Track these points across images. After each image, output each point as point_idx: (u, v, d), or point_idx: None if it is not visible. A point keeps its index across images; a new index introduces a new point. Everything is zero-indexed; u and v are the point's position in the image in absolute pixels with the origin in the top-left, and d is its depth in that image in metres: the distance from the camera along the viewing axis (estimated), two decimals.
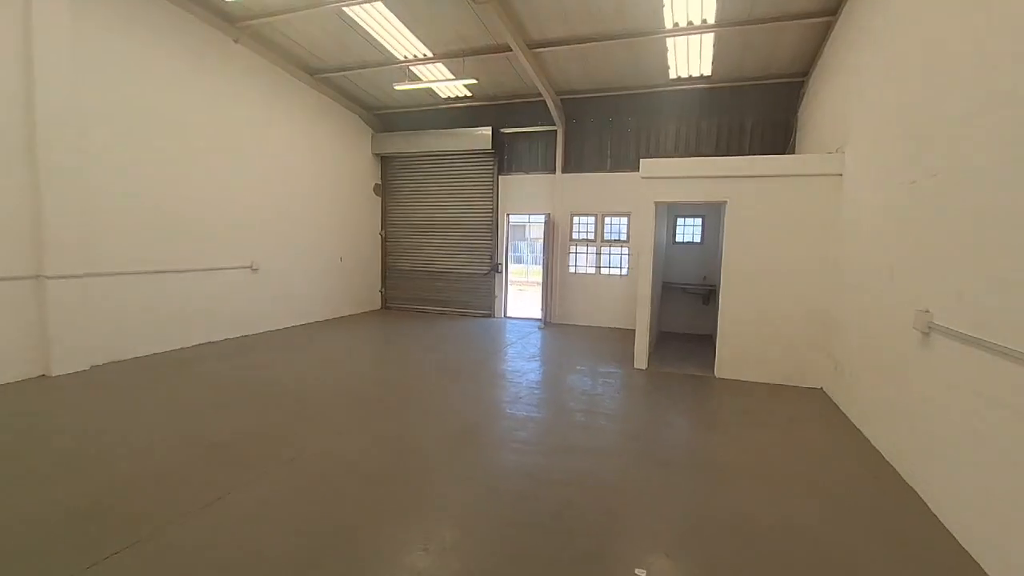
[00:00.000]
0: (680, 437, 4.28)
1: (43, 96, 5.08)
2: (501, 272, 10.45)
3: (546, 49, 7.65)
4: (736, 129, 8.55)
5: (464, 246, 10.75)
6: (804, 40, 6.83)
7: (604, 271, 9.74)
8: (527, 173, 10.13)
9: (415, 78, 8.76)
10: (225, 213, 7.35)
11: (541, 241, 10.09)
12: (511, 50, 7.40)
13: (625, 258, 9.55)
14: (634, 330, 6.59)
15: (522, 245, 20.17)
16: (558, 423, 4.45)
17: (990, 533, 2.48)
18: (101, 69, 5.71)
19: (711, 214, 8.96)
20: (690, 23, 6.61)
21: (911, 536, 2.77)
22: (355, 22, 7.08)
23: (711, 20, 6.50)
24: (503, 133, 10.03)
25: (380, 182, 11.28)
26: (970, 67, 2.93)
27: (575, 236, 9.89)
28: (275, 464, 3.43)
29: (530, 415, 4.61)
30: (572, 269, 9.94)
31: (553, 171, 9.83)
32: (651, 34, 6.95)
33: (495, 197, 10.33)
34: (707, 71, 8.02)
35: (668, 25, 6.69)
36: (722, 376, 6.03)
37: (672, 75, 8.26)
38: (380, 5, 6.62)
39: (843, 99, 5.55)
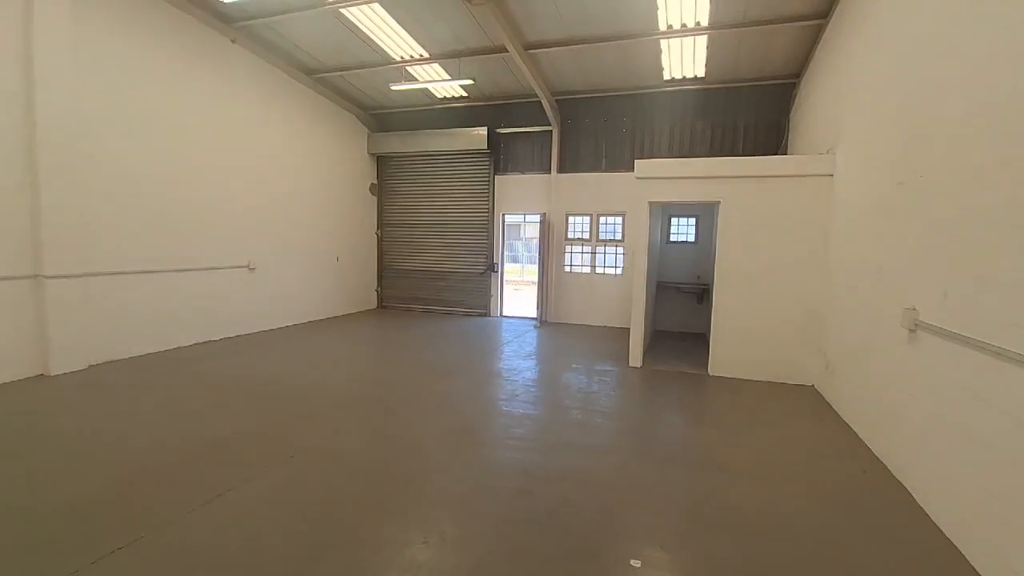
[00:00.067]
0: (674, 434, 4.35)
1: (43, 97, 5.09)
2: (497, 271, 10.51)
3: (542, 50, 7.71)
4: (729, 130, 8.64)
5: (460, 245, 10.80)
6: (796, 43, 6.92)
7: (599, 270, 9.81)
8: (523, 173, 10.18)
9: (411, 78, 8.79)
10: (222, 213, 7.37)
11: (537, 240, 10.15)
12: (507, 51, 7.45)
13: (620, 257, 9.62)
14: (629, 329, 6.67)
15: (518, 244, 20.22)
16: (554, 421, 4.51)
17: (976, 526, 2.55)
18: (101, 70, 5.73)
19: (705, 214, 9.04)
20: (684, 25, 6.68)
21: (899, 529, 2.85)
22: (352, 23, 7.11)
23: (705, 23, 6.57)
24: (499, 133, 10.08)
25: (376, 182, 11.31)
26: (956, 72, 3.01)
27: (570, 236, 9.96)
28: (275, 462, 3.47)
29: (526, 413, 4.66)
30: (568, 268, 10.01)
31: (549, 171, 9.88)
32: (645, 36, 7.02)
33: (491, 197, 10.38)
34: (701, 73, 8.10)
35: (662, 27, 6.76)
36: (716, 374, 6.11)
37: (666, 76, 8.33)
38: (377, 6, 6.66)
39: (834, 101, 5.63)
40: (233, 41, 7.32)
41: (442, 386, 5.47)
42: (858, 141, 4.76)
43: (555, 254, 9.99)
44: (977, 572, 2.44)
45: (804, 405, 5.07)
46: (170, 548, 2.49)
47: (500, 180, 10.33)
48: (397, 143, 10.64)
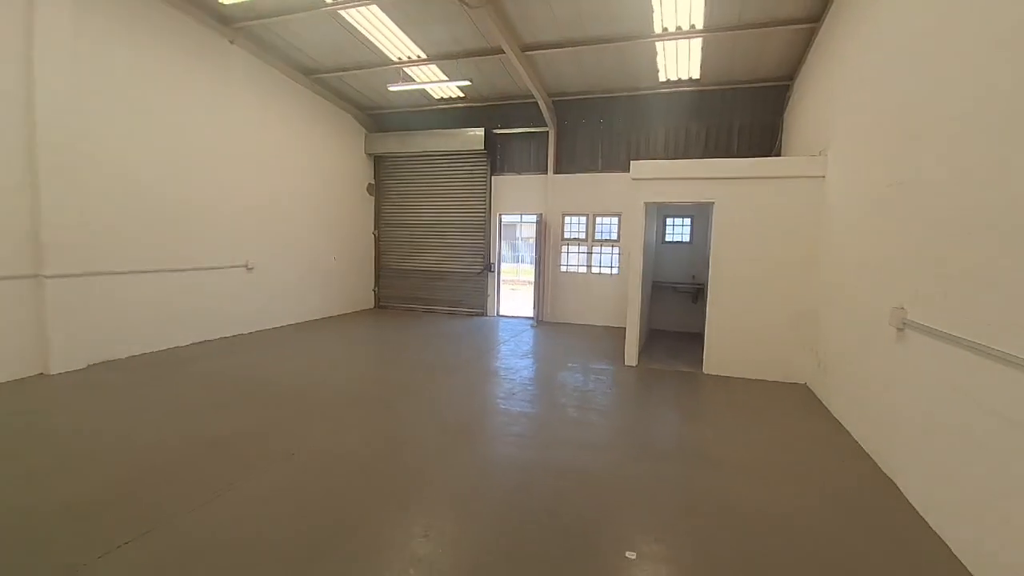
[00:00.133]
0: (669, 431, 4.42)
1: (43, 97, 5.11)
2: (493, 271, 10.56)
3: (538, 52, 7.77)
4: (724, 131, 8.72)
5: (457, 245, 10.85)
6: (790, 45, 7.00)
7: (595, 270, 9.88)
8: (519, 173, 10.24)
9: (409, 79, 8.83)
10: (221, 213, 7.40)
11: (533, 240, 10.22)
12: (504, 52, 7.50)
13: (616, 257, 9.69)
14: (624, 328, 6.74)
15: (517, 244, 20.27)
16: (551, 418, 4.57)
17: (963, 520, 2.62)
18: (101, 71, 5.75)
19: (700, 214, 9.12)
20: (679, 28, 6.75)
21: (888, 523, 2.92)
22: (350, 24, 7.15)
23: (699, 26, 6.64)
24: (496, 134, 10.14)
25: (374, 182, 11.34)
26: (946, 76, 3.08)
27: (567, 236, 10.02)
28: (275, 460, 3.51)
29: (523, 411, 4.72)
30: (564, 268, 10.08)
31: (545, 172, 9.94)
32: (641, 38, 7.09)
33: (488, 197, 10.43)
34: (696, 74, 8.17)
35: (658, 30, 6.83)
36: (710, 372, 6.19)
37: (662, 78, 8.40)
38: (375, 7, 6.70)
39: (826, 103, 5.72)
40: (232, 42, 7.35)
41: (440, 385, 5.53)
42: (849, 143, 4.84)
43: (551, 254, 10.05)
44: (963, 566, 2.51)
45: (796, 403, 5.15)
46: (177, 542, 2.53)
47: (497, 180, 10.38)
48: (395, 143, 10.67)
